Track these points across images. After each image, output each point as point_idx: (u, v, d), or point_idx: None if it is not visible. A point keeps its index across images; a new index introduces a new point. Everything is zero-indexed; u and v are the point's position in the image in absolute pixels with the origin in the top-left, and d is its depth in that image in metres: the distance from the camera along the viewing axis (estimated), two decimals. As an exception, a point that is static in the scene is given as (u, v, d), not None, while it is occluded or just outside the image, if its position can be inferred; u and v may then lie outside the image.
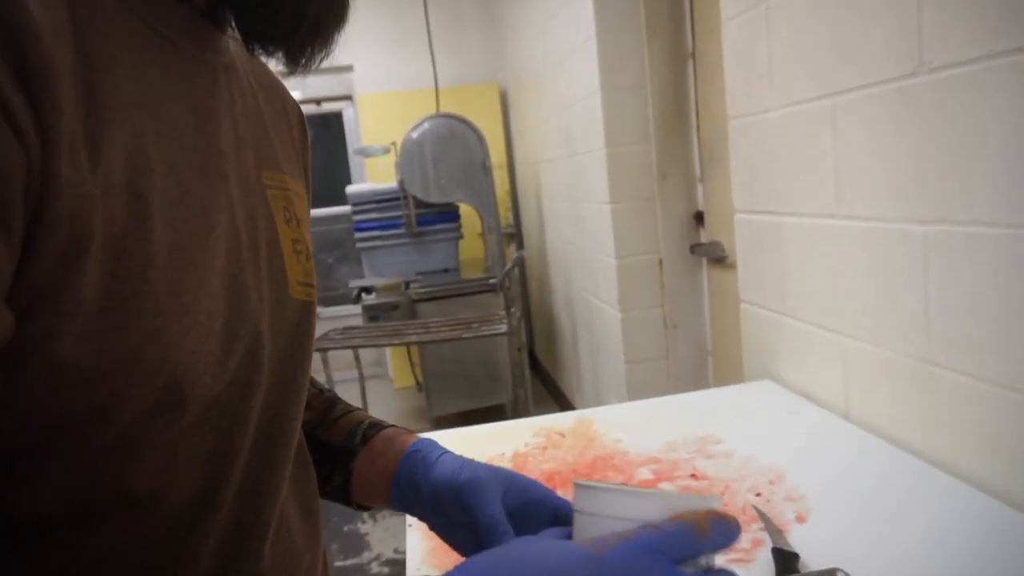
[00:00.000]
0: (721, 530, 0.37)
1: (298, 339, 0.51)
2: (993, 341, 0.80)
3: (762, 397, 1.25)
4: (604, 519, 0.38)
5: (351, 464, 0.61)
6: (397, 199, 3.37)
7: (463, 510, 0.53)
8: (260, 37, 0.44)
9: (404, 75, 4.22)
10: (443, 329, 2.78)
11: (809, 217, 1.13)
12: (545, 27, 2.95)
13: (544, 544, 0.38)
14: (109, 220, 0.35)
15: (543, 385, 4.16)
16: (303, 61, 0.46)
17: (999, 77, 0.74)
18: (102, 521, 0.37)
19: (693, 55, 2.18)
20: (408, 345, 3.28)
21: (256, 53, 0.45)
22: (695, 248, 2.25)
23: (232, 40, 0.51)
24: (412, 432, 0.63)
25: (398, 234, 3.42)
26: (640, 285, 2.32)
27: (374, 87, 4.26)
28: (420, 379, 3.57)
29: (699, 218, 2.26)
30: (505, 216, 4.22)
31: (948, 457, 0.89)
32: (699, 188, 2.24)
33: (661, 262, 2.30)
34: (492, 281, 3.22)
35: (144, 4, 0.40)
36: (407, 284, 3.41)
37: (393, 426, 0.64)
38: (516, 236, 4.39)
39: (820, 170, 1.08)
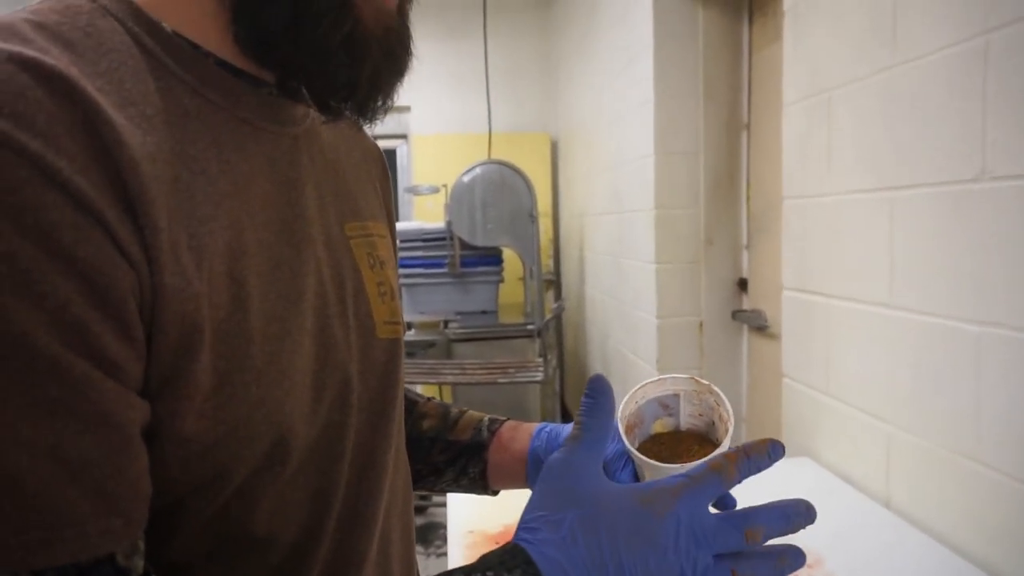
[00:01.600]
0: (747, 466, 0.44)
1: (387, 377, 0.54)
2: (1043, 448, 0.81)
3: (800, 475, 1.26)
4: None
5: (484, 454, 0.67)
6: (443, 239, 3.43)
7: None
8: (325, 103, 0.47)
9: (458, 118, 4.33)
10: (479, 372, 2.82)
11: (860, 303, 1.15)
12: (602, 85, 3.03)
13: (617, 490, 0.43)
14: (215, 308, 0.39)
15: (570, 434, 4.14)
16: (369, 116, 0.49)
17: (1061, 194, 0.77)
18: (228, 562, 0.42)
19: (748, 126, 2.23)
20: (442, 385, 3.32)
21: (328, 116, 0.48)
22: (737, 314, 2.27)
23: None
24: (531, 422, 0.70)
25: (441, 273, 3.48)
26: (679, 346, 2.33)
27: (429, 128, 4.38)
28: (450, 418, 3.58)
29: (743, 285, 2.28)
30: (546, 263, 4.27)
31: (992, 559, 0.89)
32: (744, 255, 2.27)
33: (702, 325, 2.32)
34: (530, 327, 3.25)
35: (226, 97, 0.45)
36: (446, 323, 3.46)
37: (510, 418, 0.70)
38: (555, 283, 4.43)
39: (875, 259, 1.10)
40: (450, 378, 2.84)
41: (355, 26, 0.44)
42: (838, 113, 1.20)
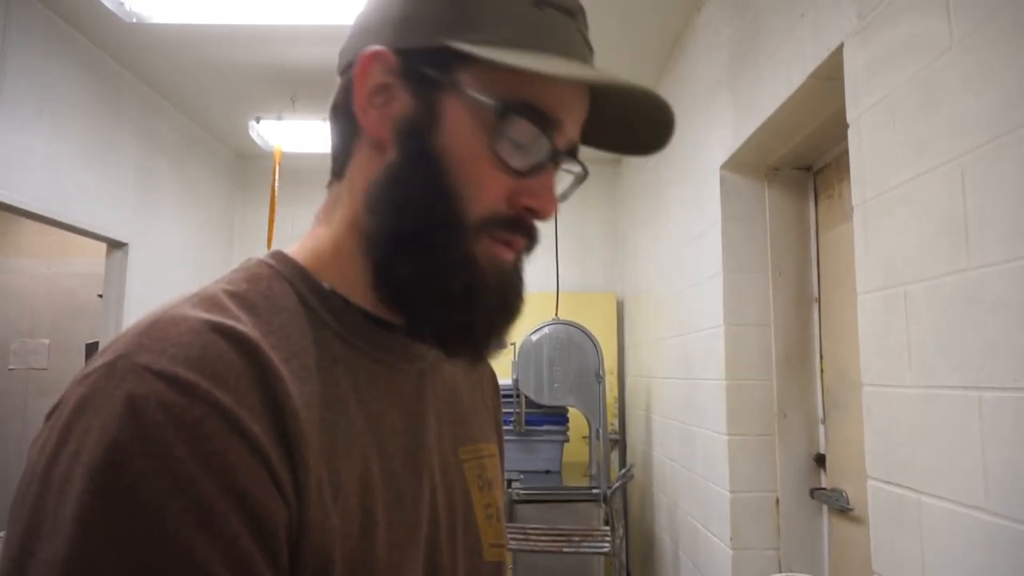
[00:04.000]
0: None
1: None
2: None
3: None
4: None
5: None
6: (510, 396, 3.46)
7: None
8: (445, 342, 0.53)
9: (528, 278, 4.49)
10: (543, 538, 2.73)
11: (953, 504, 1.11)
12: (670, 254, 3.12)
13: None
14: (346, 538, 0.44)
15: (635, 608, 3.89)
16: (483, 354, 0.54)
17: None
18: None
19: (818, 300, 2.25)
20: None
21: (448, 354, 0.54)
22: (815, 492, 2.17)
23: None
24: None
25: (507, 431, 3.48)
26: (754, 523, 2.23)
27: (498, 285, 4.54)
28: (509, 584, 3.43)
29: (820, 461, 2.21)
30: (611, 422, 4.22)
31: None
32: (821, 430, 2.21)
33: (778, 501, 2.23)
34: (595, 491, 3.17)
35: (368, 343, 0.52)
36: (509, 483, 3.41)
37: None
38: (620, 443, 4.35)
39: (966, 459, 1.08)
40: (513, 544, 2.76)
41: (472, 279, 0.50)
42: (916, 307, 1.22)
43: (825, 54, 1.55)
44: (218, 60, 3.26)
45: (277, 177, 3.68)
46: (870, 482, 1.38)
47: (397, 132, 0.51)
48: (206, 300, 0.46)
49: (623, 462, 4.20)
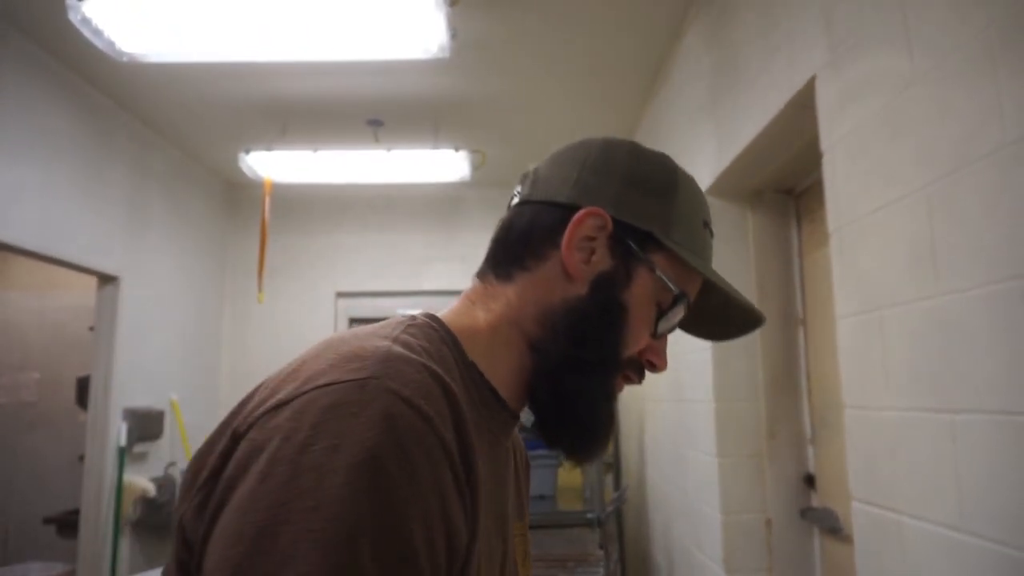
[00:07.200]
0: None
1: None
2: None
3: None
4: None
5: None
6: (502, 421, 3.48)
7: None
8: (575, 452, 0.67)
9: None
10: (538, 564, 2.73)
11: (931, 524, 1.13)
12: (657, 277, 3.15)
13: None
14: None
15: (633, 632, 3.88)
16: (594, 459, 0.68)
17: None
18: None
19: (803, 321, 2.28)
20: None
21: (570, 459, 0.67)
22: (806, 512, 2.19)
23: None
24: None
25: (500, 456, 3.49)
26: (746, 545, 2.24)
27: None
28: (505, 611, 3.41)
29: (810, 481, 2.23)
30: (604, 444, 4.23)
31: None
32: (810, 450, 2.23)
33: (769, 523, 2.24)
34: (590, 516, 3.17)
35: (489, 413, 0.61)
36: (503, 508, 3.42)
37: None
38: (614, 466, 4.35)
39: (943, 481, 1.10)
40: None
41: (612, 407, 0.66)
42: (891, 331, 1.25)
43: (799, 85, 1.60)
44: (209, 94, 3.31)
45: (267, 207, 3.71)
46: (854, 503, 1.40)
47: (594, 279, 0.64)
48: (408, 347, 0.54)
49: (617, 485, 4.20)
